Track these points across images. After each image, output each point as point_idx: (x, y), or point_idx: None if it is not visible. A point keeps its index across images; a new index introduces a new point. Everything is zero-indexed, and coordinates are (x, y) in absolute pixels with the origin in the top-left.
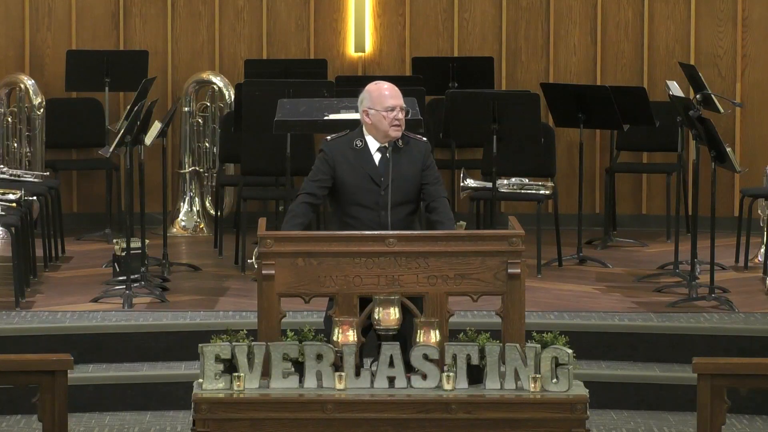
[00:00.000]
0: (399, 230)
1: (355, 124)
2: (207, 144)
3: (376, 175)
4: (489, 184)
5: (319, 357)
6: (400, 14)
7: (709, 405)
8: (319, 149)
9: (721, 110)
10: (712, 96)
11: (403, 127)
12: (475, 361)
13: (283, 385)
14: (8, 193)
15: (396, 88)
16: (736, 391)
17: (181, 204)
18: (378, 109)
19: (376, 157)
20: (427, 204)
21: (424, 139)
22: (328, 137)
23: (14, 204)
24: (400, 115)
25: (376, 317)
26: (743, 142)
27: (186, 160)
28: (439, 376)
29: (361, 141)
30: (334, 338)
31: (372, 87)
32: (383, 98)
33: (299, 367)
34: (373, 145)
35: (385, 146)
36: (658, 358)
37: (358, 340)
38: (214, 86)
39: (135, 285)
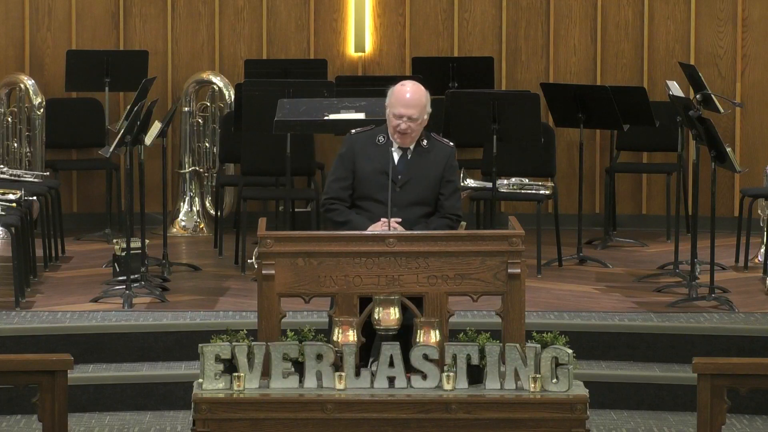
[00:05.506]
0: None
1: (354, 125)
2: (207, 144)
3: (392, 173)
4: (489, 184)
5: (319, 357)
6: (400, 14)
7: (709, 405)
8: (343, 143)
9: (721, 110)
10: (712, 96)
11: (414, 136)
12: (475, 361)
13: (283, 385)
14: (8, 193)
15: (418, 95)
16: (736, 391)
17: (181, 204)
18: (391, 111)
19: (396, 154)
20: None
21: (451, 144)
22: (353, 131)
23: (14, 204)
24: (403, 126)
25: (376, 317)
26: (743, 142)
27: (186, 160)
28: (439, 376)
29: (383, 137)
30: (334, 338)
31: (396, 87)
32: (396, 103)
33: (299, 367)
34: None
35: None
36: (658, 358)
37: (358, 340)
38: (214, 86)
39: (135, 285)
